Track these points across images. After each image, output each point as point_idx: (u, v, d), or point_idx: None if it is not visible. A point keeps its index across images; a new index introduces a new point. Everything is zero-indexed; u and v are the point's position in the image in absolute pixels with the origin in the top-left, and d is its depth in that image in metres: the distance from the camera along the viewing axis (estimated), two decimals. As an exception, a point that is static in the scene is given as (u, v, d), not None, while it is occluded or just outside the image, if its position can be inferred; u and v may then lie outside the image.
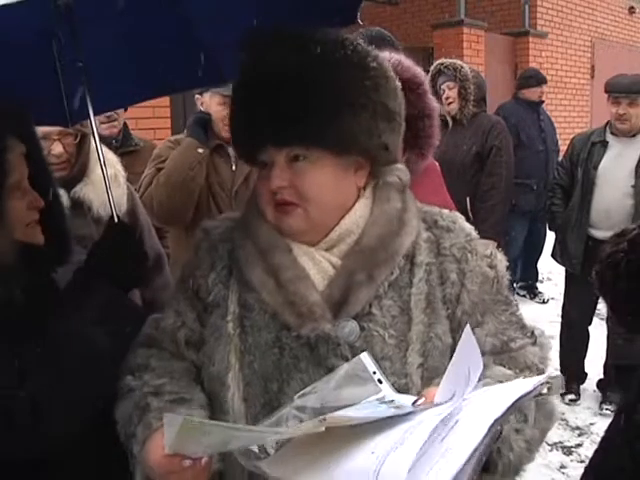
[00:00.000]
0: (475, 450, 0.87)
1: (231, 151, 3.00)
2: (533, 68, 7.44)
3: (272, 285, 1.20)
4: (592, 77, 11.53)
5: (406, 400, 1.04)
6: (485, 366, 1.13)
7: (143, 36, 1.56)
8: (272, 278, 1.20)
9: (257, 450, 1.02)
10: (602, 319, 4.96)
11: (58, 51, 1.53)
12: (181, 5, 1.53)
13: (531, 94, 6.03)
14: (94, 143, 1.67)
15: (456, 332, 1.23)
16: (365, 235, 1.23)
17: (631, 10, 12.76)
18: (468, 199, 4.28)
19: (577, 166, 4.21)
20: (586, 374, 4.42)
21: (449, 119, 4.50)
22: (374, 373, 1.09)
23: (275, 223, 1.24)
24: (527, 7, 10.25)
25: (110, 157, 1.98)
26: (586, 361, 4.46)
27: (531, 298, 6.23)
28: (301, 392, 1.10)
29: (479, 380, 1.02)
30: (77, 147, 1.98)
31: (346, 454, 0.94)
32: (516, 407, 0.93)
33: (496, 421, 0.90)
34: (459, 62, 4.55)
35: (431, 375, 1.19)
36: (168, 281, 2.16)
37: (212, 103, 2.89)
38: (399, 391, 1.13)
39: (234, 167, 2.96)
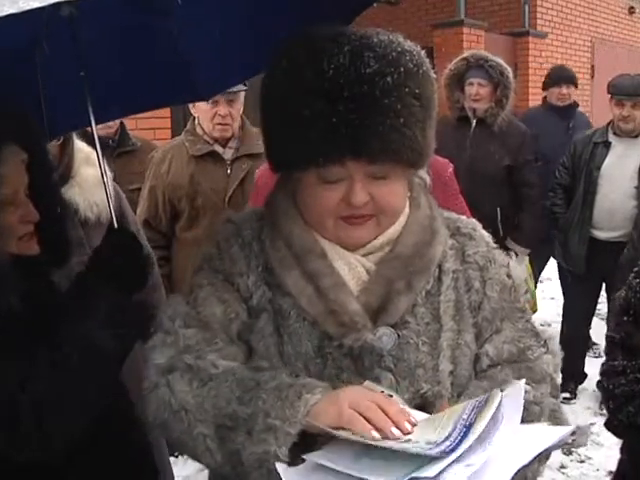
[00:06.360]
0: None
1: (226, 155, 2.99)
2: (559, 66, 5.97)
3: (311, 292, 1.16)
4: (592, 77, 11.52)
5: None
6: (496, 376, 1.18)
7: (133, 49, 1.55)
8: (311, 285, 1.16)
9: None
10: (602, 319, 4.96)
11: (41, 61, 1.49)
12: (170, 21, 1.52)
13: (550, 95, 5.17)
14: (95, 151, 1.64)
15: (477, 338, 1.25)
16: (400, 242, 1.22)
17: (631, 10, 12.76)
18: (499, 209, 3.99)
19: (579, 166, 4.19)
20: (586, 374, 4.41)
21: (471, 116, 4.09)
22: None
23: (339, 235, 1.19)
24: (527, 7, 10.24)
25: (93, 158, 1.94)
26: (586, 361, 4.46)
27: None
28: None
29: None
30: (60, 148, 1.93)
31: None
32: (543, 455, 0.93)
33: (521, 468, 0.91)
34: (502, 62, 4.07)
35: (459, 382, 1.21)
36: (158, 282, 2.14)
37: (200, 102, 2.89)
38: (434, 397, 1.16)
39: (229, 171, 2.94)
